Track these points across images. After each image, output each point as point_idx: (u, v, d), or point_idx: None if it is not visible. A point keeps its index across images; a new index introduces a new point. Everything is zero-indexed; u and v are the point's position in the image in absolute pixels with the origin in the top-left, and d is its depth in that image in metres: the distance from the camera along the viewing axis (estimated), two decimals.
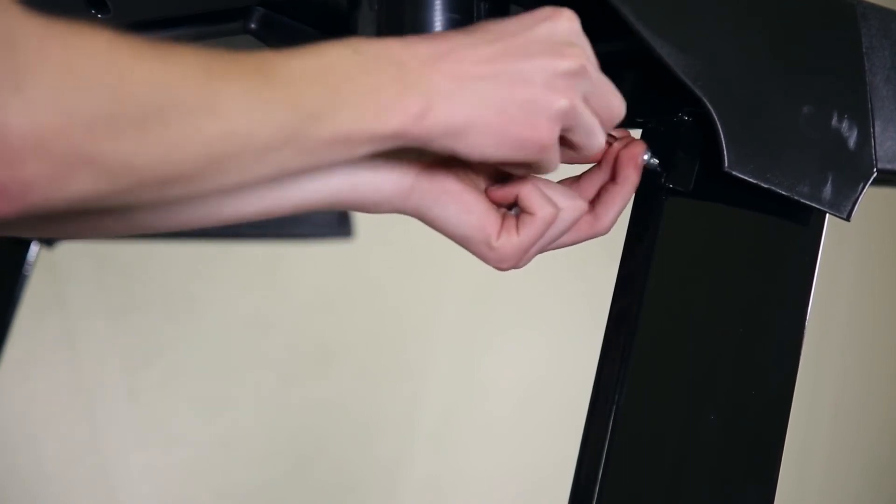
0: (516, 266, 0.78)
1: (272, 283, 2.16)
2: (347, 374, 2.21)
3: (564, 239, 0.79)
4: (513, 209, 0.77)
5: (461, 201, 0.76)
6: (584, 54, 0.70)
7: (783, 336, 0.82)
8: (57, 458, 2.01)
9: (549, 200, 0.76)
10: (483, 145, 0.68)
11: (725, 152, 0.77)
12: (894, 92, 0.81)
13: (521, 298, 2.33)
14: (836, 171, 0.79)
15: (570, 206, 0.77)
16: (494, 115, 0.67)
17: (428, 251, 2.23)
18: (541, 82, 0.68)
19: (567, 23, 0.70)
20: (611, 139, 0.81)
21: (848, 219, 0.80)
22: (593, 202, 0.80)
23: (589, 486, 0.78)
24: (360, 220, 1.59)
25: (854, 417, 2.59)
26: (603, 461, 0.77)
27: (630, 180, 0.79)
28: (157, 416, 2.08)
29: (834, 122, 0.79)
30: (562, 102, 0.69)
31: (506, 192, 0.76)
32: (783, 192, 0.79)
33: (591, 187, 0.81)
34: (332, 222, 1.56)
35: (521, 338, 2.38)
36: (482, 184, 0.77)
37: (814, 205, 0.79)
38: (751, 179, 0.78)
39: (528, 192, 0.75)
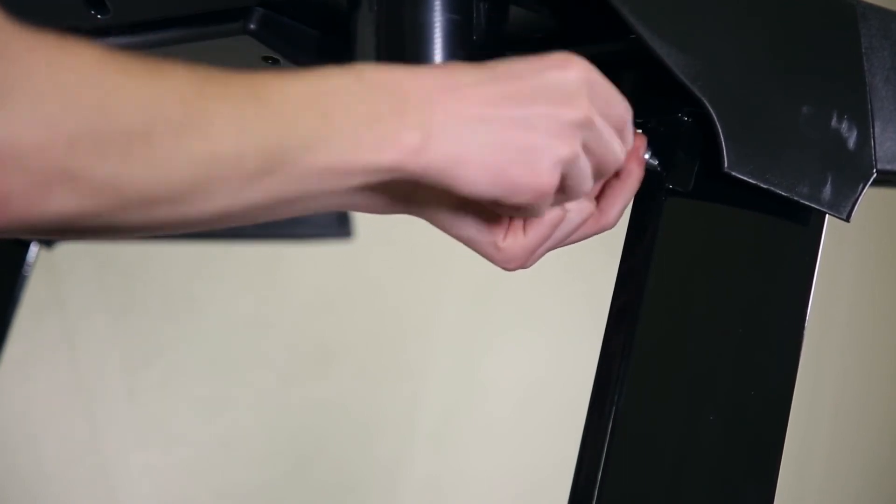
0: (524, 266, 0.78)
1: (272, 283, 2.16)
2: (347, 374, 2.21)
3: (572, 237, 0.79)
4: None
5: (466, 202, 0.76)
6: (589, 106, 0.69)
7: (783, 336, 0.82)
8: (57, 458, 2.01)
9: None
10: (476, 182, 0.67)
11: (725, 153, 0.77)
12: (894, 92, 0.81)
13: (522, 299, 2.33)
14: (836, 172, 0.79)
15: (577, 207, 0.77)
16: (491, 155, 0.67)
17: (428, 251, 2.23)
18: (544, 130, 0.68)
19: (577, 72, 0.69)
20: None
21: (847, 219, 0.80)
22: (598, 198, 0.80)
23: (589, 486, 0.78)
24: (360, 220, 1.59)
25: (854, 417, 2.59)
26: (603, 461, 0.77)
27: (633, 174, 0.79)
28: (157, 416, 2.07)
29: (833, 122, 0.79)
30: (563, 151, 0.68)
31: None
32: (783, 193, 0.79)
33: (597, 185, 0.81)
34: (332, 222, 1.56)
35: (522, 338, 2.38)
36: None
37: (813, 205, 0.79)
38: (750, 180, 0.78)
39: None
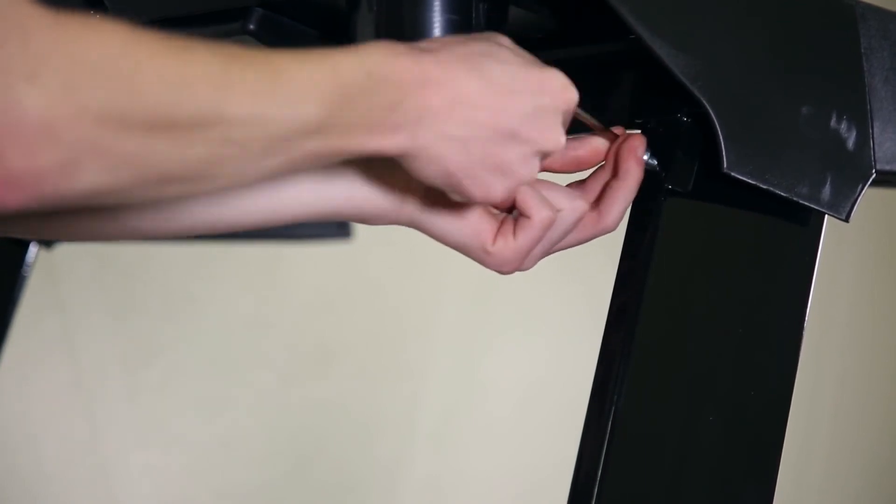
0: (520, 269, 0.78)
1: (272, 283, 2.16)
2: (347, 374, 2.21)
3: (570, 238, 0.79)
4: (513, 212, 0.77)
5: (454, 209, 0.76)
6: (562, 137, 0.72)
7: (783, 336, 0.82)
8: (57, 458, 2.01)
9: (546, 203, 0.76)
10: (429, 172, 0.69)
11: (724, 153, 0.77)
12: (893, 93, 0.81)
13: (521, 299, 2.33)
14: (835, 172, 0.80)
15: (570, 207, 0.77)
16: (460, 156, 0.69)
17: (428, 251, 2.22)
18: (517, 158, 0.70)
19: (551, 97, 0.71)
20: (611, 137, 0.81)
21: (847, 220, 0.80)
22: (597, 200, 0.80)
23: (588, 486, 0.78)
24: None
25: (854, 417, 2.59)
26: (602, 461, 0.77)
27: (631, 174, 0.79)
28: (157, 416, 2.08)
29: (833, 122, 0.79)
30: (525, 178, 0.71)
31: None
32: (782, 193, 0.79)
33: (597, 186, 0.81)
34: (331, 224, 1.56)
35: (521, 338, 2.38)
36: None
37: (813, 206, 0.79)
38: (750, 180, 0.78)
39: (524, 196, 0.75)
